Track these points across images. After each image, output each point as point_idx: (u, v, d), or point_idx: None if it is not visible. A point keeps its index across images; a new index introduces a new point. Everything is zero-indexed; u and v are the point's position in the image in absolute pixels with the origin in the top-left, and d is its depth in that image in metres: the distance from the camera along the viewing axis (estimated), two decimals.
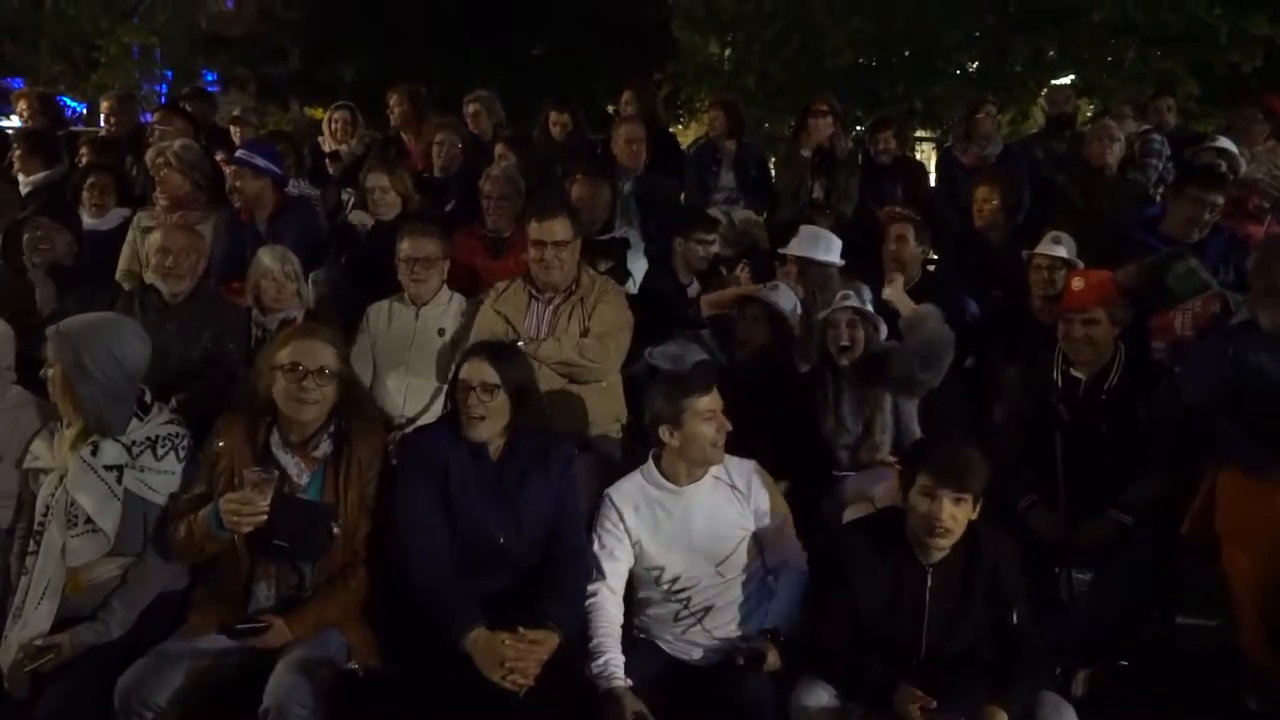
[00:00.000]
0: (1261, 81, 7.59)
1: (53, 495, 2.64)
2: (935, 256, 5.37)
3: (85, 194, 4.78)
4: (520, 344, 3.50)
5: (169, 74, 14.79)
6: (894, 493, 3.22)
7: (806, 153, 5.47)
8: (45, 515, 2.63)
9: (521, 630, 2.52)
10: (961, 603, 2.59)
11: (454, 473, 2.72)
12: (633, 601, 2.91)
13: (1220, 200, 4.17)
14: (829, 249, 4.19)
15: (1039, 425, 3.50)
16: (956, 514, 2.52)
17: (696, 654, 2.84)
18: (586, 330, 3.59)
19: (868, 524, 2.78)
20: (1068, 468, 3.42)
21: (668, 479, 2.87)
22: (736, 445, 3.20)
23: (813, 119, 5.41)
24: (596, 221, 4.55)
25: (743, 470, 2.93)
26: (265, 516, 2.46)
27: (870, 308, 3.90)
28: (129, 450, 2.69)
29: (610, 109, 13.06)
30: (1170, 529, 3.27)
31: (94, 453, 2.66)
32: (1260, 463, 3.14)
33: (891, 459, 3.49)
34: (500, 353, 2.83)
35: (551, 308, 3.66)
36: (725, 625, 2.85)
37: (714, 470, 2.91)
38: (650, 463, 2.91)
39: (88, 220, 4.79)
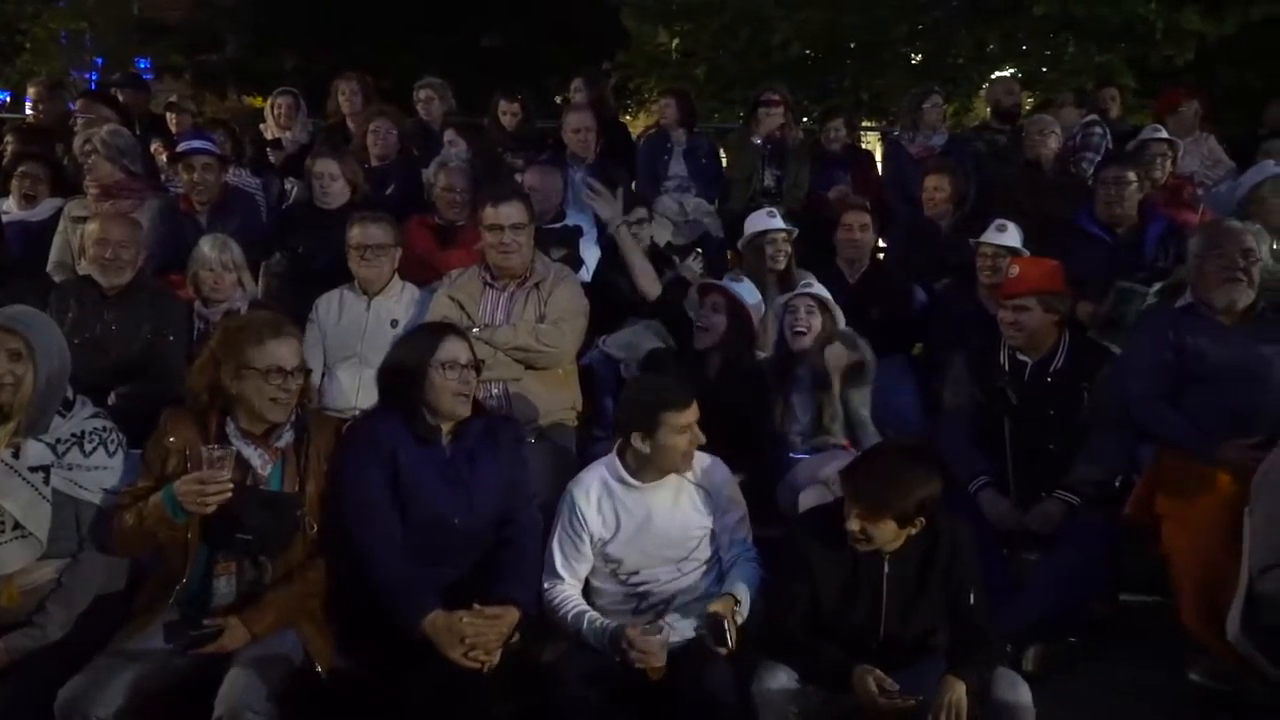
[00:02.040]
0: (1193, 75, 7.82)
1: None
2: (884, 245, 5.48)
3: (15, 184, 4.59)
4: (475, 331, 3.47)
5: (99, 61, 14.27)
6: None
7: (758, 141, 5.49)
8: None
9: (478, 606, 2.51)
10: (919, 589, 2.62)
11: (403, 457, 2.68)
12: (590, 591, 2.89)
13: (1131, 175, 4.30)
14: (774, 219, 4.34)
15: (988, 410, 3.56)
16: (872, 532, 2.53)
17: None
18: (543, 317, 3.57)
19: (827, 512, 2.79)
20: (1016, 451, 3.48)
21: (631, 475, 2.84)
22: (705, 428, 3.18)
23: (763, 109, 5.44)
24: (549, 210, 4.50)
25: (712, 472, 2.92)
26: (230, 493, 2.39)
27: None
28: (54, 449, 2.56)
29: (558, 99, 13.00)
30: (1115, 509, 3.35)
31: (15, 455, 2.52)
32: (1199, 445, 3.22)
33: (843, 441, 3.52)
34: (462, 331, 2.89)
35: (507, 295, 3.63)
36: (684, 618, 2.83)
37: None
38: (614, 456, 2.88)
39: (17, 212, 4.63)
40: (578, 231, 4.49)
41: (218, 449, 2.40)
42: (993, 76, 7.76)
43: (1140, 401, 3.41)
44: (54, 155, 5.05)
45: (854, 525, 2.52)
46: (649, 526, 2.82)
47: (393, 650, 2.53)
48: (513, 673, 2.72)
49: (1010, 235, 4.20)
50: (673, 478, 2.87)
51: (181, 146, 4.42)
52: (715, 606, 2.67)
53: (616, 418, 2.88)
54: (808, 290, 3.69)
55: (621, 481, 2.84)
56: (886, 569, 2.60)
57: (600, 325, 4.24)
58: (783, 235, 4.33)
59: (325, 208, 4.31)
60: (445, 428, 2.75)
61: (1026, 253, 4.11)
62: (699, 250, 4.97)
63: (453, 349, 2.74)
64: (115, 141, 4.48)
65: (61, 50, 14.84)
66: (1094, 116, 5.63)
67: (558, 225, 4.47)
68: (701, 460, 2.92)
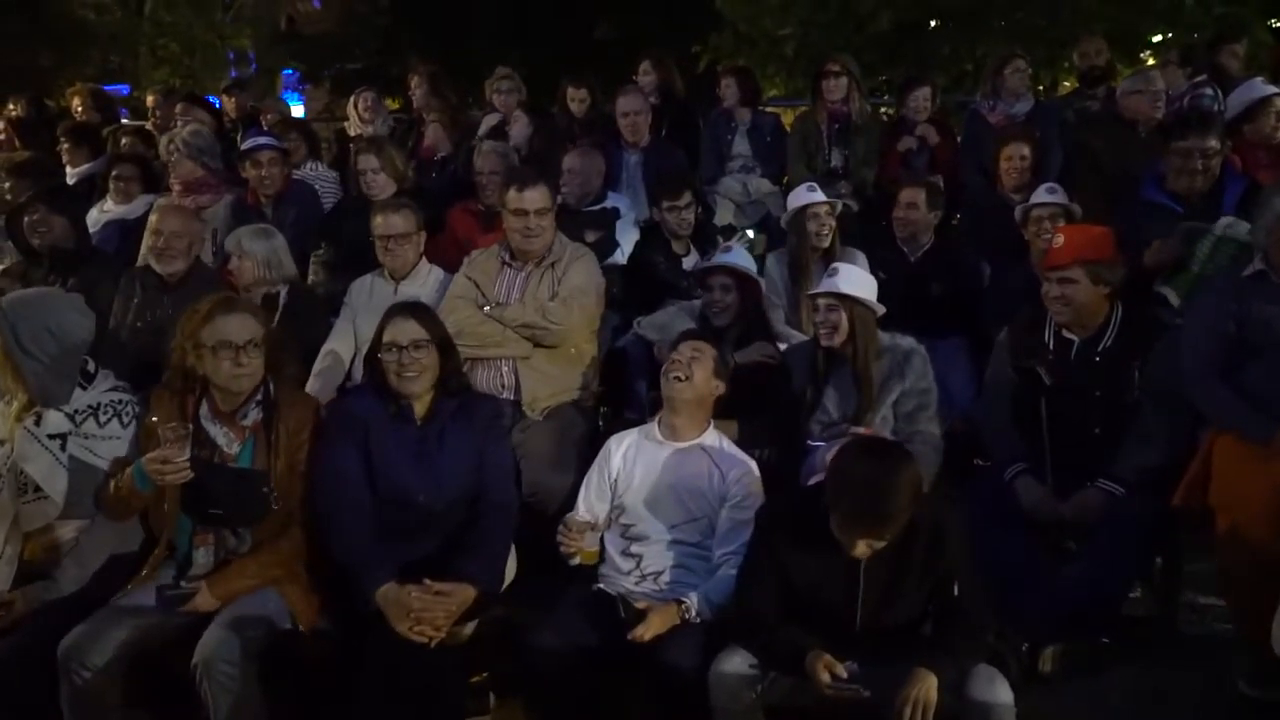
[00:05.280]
0: None
1: (4, 465, 2.74)
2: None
3: (111, 184, 5.00)
4: (487, 309, 3.53)
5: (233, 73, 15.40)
6: None
7: (822, 122, 5.32)
8: None
9: (428, 582, 2.56)
10: (897, 576, 2.46)
11: (374, 434, 2.76)
12: (603, 555, 2.95)
13: (1213, 144, 3.83)
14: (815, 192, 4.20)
15: (1023, 391, 3.31)
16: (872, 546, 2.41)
17: (644, 600, 2.81)
18: (556, 295, 3.58)
19: (804, 495, 2.68)
20: (1054, 435, 3.23)
21: (660, 432, 2.99)
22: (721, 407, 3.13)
23: (825, 80, 5.25)
24: (589, 193, 4.52)
25: (738, 464, 2.95)
26: (188, 469, 2.52)
27: (866, 272, 3.70)
28: (72, 419, 2.77)
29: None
30: (1163, 499, 3.04)
31: (37, 422, 2.75)
32: (1256, 428, 2.88)
33: (861, 430, 3.34)
34: (418, 309, 2.90)
35: (524, 274, 3.66)
36: (675, 586, 2.83)
37: (707, 440, 2.98)
38: (655, 419, 3.06)
39: (116, 209, 5.03)
40: (615, 214, 4.48)
41: (177, 427, 2.53)
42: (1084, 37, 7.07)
43: (1194, 376, 3.08)
44: (154, 156, 5.47)
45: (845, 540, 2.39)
46: (657, 478, 2.91)
47: (366, 617, 2.60)
48: (492, 644, 2.78)
49: (1063, 194, 3.89)
50: (695, 449, 2.95)
51: (247, 144, 4.69)
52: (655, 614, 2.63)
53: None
54: (827, 288, 3.43)
55: (650, 437, 2.99)
56: (862, 559, 2.44)
57: (637, 307, 4.23)
58: (825, 209, 4.17)
59: (375, 199, 4.47)
60: (419, 407, 2.81)
61: (1079, 212, 3.80)
62: (747, 232, 4.86)
63: (393, 330, 2.78)
64: (195, 141, 4.82)
65: (227, 63, 16.15)
66: (1203, 77, 5.10)
67: (595, 207, 4.48)
68: (737, 457, 2.96)
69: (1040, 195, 3.93)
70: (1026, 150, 4.67)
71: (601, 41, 13.73)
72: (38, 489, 2.73)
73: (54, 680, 2.53)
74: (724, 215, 5.36)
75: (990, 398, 3.48)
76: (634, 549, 2.90)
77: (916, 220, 4.40)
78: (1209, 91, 5.16)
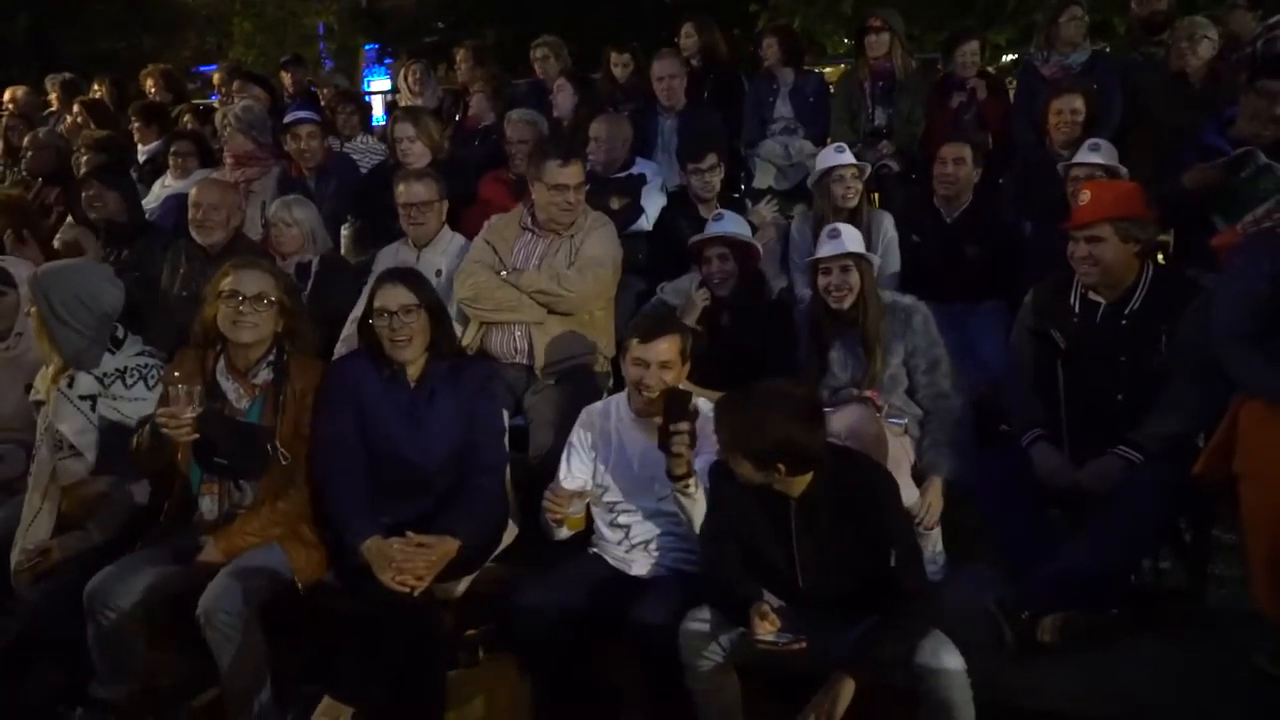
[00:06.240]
0: None
1: (43, 424, 2.98)
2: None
3: (170, 160, 5.24)
4: (503, 274, 3.58)
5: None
6: (860, 425, 3.07)
7: (865, 80, 5.18)
8: (39, 441, 2.98)
9: (410, 535, 2.65)
10: (831, 537, 2.43)
11: (368, 397, 2.84)
12: (593, 531, 2.97)
13: None
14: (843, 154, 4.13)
15: (1043, 354, 3.20)
16: (733, 467, 2.41)
17: (637, 568, 2.87)
18: (573, 263, 3.61)
19: None
20: (1072, 401, 3.12)
21: (630, 408, 2.92)
22: (723, 376, 3.12)
23: (867, 36, 5.10)
24: (615, 160, 4.52)
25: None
26: (191, 427, 2.64)
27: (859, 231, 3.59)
28: (101, 381, 2.99)
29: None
30: (1185, 467, 2.90)
31: (70, 384, 2.98)
32: None
33: (869, 393, 3.29)
34: (408, 275, 2.96)
35: (545, 241, 3.69)
36: (667, 552, 2.86)
37: None
38: (626, 390, 2.97)
39: (175, 184, 5.27)
40: (640, 180, 4.47)
41: (184, 387, 2.66)
42: None
43: (1224, 337, 2.91)
44: (213, 133, 5.69)
45: (733, 466, 2.41)
46: (630, 457, 2.88)
47: (359, 571, 2.71)
48: (485, 601, 2.87)
49: (1105, 153, 3.70)
50: None
51: (287, 118, 4.85)
52: None
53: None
54: (837, 251, 3.34)
55: (625, 413, 2.93)
56: (793, 511, 2.43)
57: (662, 272, 4.22)
58: (852, 171, 4.08)
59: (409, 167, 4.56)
60: (412, 370, 2.88)
61: (1125, 172, 3.60)
62: (771, 196, 4.79)
63: (383, 297, 2.83)
64: (246, 116, 5.01)
65: (302, 40, 16.65)
66: (1277, 18, 4.75)
67: (622, 174, 4.47)
68: (707, 412, 2.82)
69: (1083, 154, 3.74)
70: (1079, 103, 4.45)
71: (664, 6, 13.61)
72: (71, 446, 2.96)
73: (85, 621, 2.74)
74: (764, 178, 5.29)
75: (1012, 362, 3.37)
76: (621, 520, 2.89)
77: (962, 177, 4.24)
78: None
